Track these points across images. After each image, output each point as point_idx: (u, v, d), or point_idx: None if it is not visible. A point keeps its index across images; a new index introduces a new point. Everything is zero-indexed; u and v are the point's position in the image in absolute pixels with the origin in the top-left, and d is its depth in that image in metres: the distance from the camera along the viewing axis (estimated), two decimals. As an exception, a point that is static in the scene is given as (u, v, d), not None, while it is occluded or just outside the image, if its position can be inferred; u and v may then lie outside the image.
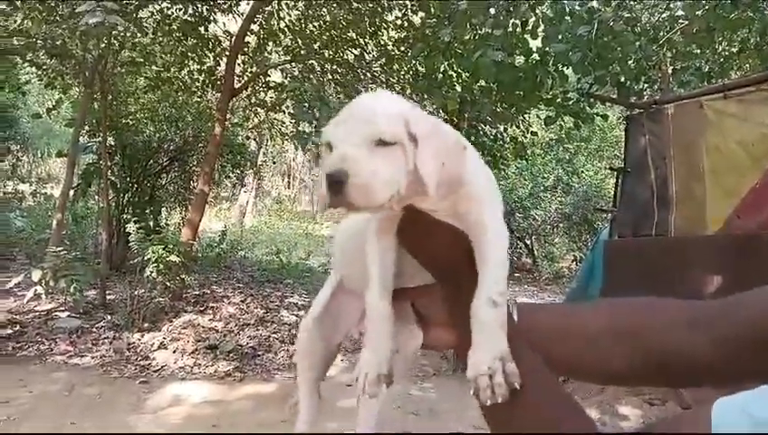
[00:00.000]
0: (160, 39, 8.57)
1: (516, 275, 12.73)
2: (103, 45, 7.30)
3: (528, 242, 14.48)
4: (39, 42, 7.06)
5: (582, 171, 13.95)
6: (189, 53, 8.75)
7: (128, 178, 9.69)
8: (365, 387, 0.76)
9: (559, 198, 13.87)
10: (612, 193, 7.14)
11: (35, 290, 6.78)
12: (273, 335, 6.68)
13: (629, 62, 6.27)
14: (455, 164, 0.69)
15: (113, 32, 6.54)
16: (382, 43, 8.64)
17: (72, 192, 8.68)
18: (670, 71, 7.81)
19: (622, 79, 6.23)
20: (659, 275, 5.28)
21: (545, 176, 13.88)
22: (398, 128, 0.67)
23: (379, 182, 0.65)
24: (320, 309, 0.97)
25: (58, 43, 7.06)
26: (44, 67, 8.22)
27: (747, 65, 7.95)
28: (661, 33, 6.62)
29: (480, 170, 0.75)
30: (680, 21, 6.46)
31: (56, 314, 6.54)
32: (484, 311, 0.67)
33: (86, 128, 8.92)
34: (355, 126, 0.68)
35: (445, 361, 6.48)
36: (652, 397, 5.14)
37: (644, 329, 0.78)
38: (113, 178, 9.14)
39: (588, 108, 6.70)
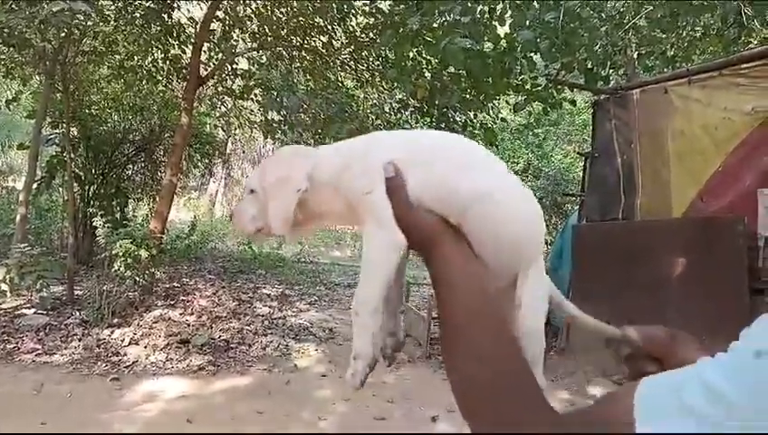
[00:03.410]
0: (123, 27, 8.35)
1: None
2: (63, 34, 7.08)
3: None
4: (-5, 30, 6.82)
5: (552, 155, 14.10)
6: (153, 42, 8.55)
7: (93, 170, 9.50)
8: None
9: (529, 183, 14.00)
10: (581, 177, 7.24)
11: None
12: (247, 328, 6.64)
13: (596, 47, 6.34)
14: (285, 199, 0.83)
15: (73, 20, 6.35)
16: (351, 29, 8.56)
17: (35, 185, 8.46)
18: (635, 56, 7.91)
19: (589, 65, 6.29)
20: (626, 258, 5.39)
21: (515, 160, 14.00)
22: (254, 180, 0.90)
23: (245, 219, 0.89)
24: None
25: (16, 32, 6.82)
26: (2, 57, 7.96)
27: (710, 50, 8.09)
28: (627, 19, 6.69)
29: (372, 190, 0.79)
30: (645, 6, 6.54)
31: (22, 311, 6.39)
32: (351, 316, 0.77)
33: (48, 119, 8.68)
34: None
35: (419, 347, 6.54)
36: (621, 377, 5.26)
37: None
38: (77, 171, 8.94)
39: (555, 94, 6.75)
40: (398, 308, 0.88)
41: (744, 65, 4.82)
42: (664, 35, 7.44)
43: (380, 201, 0.78)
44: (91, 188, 9.39)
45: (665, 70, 7.08)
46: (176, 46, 8.80)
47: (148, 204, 11.04)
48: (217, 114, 11.75)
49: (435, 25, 6.15)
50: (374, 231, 0.78)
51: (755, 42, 7.47)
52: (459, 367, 0.73)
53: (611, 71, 7.75)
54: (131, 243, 6.46)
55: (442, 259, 0.77)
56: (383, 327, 0.80)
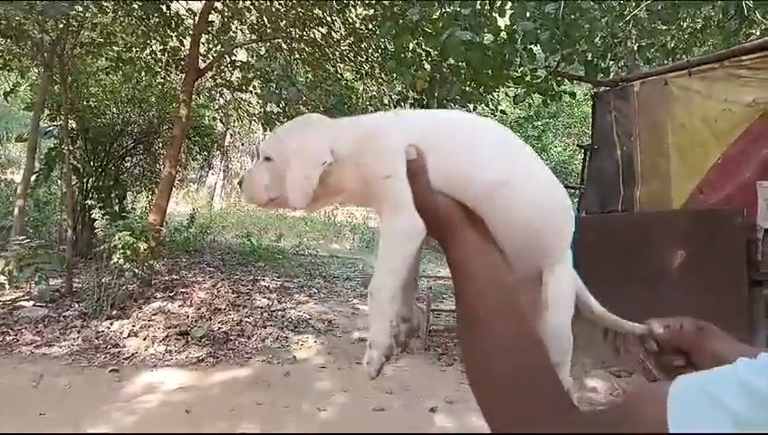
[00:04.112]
0: (121, 18, 8.31)
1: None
2: (61, 26, 7.04)
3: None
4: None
5: (551, 147, 14.10)
6: (151, 33, 8.51)
7: (91, 162, 9.47)
8: None
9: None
10: (580, 170, 7.24)
11: (-2, 280, 6.63)
12: (246, 319, 6.65)
13: (596, 39, 6.32)
14: (308, 170, 0.79)
15: (72, 12, 6.31)
16: (350, 20, 8.52)
17: (33, 177, 8.44)
18: (636, 47, 7.88)
19: (589, 57, 6.27)
20: (625, 250, 5.39)
21: (515, 153, 13.98)
22: (270, 146, 0.85)
23: (258, 187, 0.85)
24: None
25: (14, 23, 6.78)
26: (0, 49, 7.92)
27: (710, 42, 8.07)
28: (627, 10, 6.66)
29: (393, 173, 0.77)
30: (646, -2, 6.52)
31: (21, 303, 6.39)
32: (368, 301, 0.76)
33: (46, 111, 8.66)
34: None
35: (417, 339, 6.55)
36: (619, 369, 5.28)
37: None
38: (76, 163, 8.91)
39: (555, 86, 6.73)
40: (413, 294, 0.85)
41: (745, 57, 4.81)
42: (664, 27, 7.42)
43: (401, 185, 0.75)
44: (90, 181, 9.37)
45: (665, 62, 7.06)
46: (174, 38, 8.76)
47: (147, 196, 11.02)
48: (216, 106, 11.73)
49: (434, 17, 6.13)
50: (393, 216, 0.76)
51: (756, 33, 7.44)
52: (477, 359, 0.72)
53: (611, 62, 7.74)
54: (130, 235, 6.45)
55: (461, 247, 0.75)
56: (397, 313, 0.78)
